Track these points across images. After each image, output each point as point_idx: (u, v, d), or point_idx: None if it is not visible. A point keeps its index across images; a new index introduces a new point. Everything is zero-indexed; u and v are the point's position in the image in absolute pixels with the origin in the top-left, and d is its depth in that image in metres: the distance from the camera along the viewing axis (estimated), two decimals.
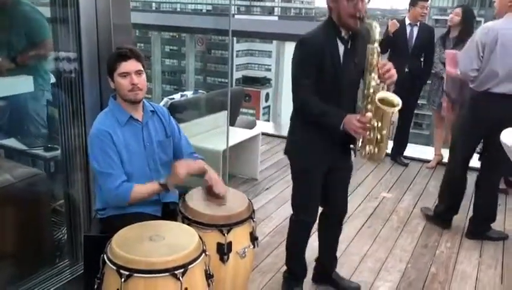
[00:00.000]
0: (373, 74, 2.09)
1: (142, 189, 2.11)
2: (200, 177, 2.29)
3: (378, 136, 2.12)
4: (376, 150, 2.16)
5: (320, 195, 2.49)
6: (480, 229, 3.44)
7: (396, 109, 2.04)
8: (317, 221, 2.60)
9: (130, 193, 2.08)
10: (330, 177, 2.44)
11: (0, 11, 3.08)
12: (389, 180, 4.50)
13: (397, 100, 2.06)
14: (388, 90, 2.12)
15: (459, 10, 4.31)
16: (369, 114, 2.07)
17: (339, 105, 2.21)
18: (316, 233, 2.70)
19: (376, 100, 2.04)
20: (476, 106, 3.18)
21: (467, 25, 4.26)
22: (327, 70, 2.17)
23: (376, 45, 2.08)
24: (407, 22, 4.51)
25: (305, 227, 2.56)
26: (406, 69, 4.49)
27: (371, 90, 2.10)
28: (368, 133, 2.12)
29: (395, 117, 2.21)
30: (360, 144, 2.21)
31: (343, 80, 2.20)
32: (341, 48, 2.19)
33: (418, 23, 4.52)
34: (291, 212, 2.62)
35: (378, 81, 2.09)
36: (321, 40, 2.17)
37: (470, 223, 3.50)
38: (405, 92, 4.51)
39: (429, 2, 4.57)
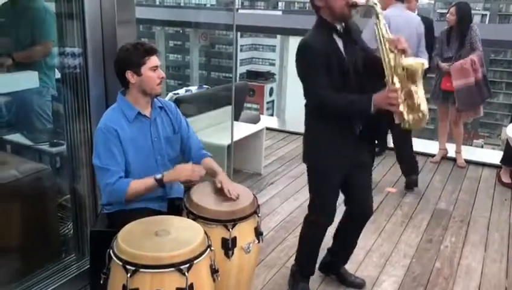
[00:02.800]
0: (387, 45, 2.07)
1: (138, 184, 2.10)
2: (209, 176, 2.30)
3: (416, 101, 2.05)
4: (419, 115, 2.07)
5: (345, 195, 2.50)
6: None
7: (425, 66, 2.03)
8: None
9: (127, 188, 2.08)
10: (352, 177, 2.42)
11: (13, 5, 3.09)
12: (393, 175, 4.49)
13: (421, 60, 2.06)
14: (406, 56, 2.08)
15: (453, 10, 4.30)
16: (396, 85, 2.03)
17: (350, 91, 2.19)
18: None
19: (401, 65, 2.02)
20: None
21: (463, 21, 4.28)
22: (333, 67, 2.17)
23: (381, 18, 2.08)
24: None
25: (322, 229, 2.53)
26: None
27: (392, 62, 2.06)
28: (403, 101, 2.05)
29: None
30: (398, 117, 2.10)
31: (349, 72, 2.21)
32: (339, 43, 2.21)
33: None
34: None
35: (395, 51, 2.06)
36: (321, 40, 2.18)
37: None
38: None
39: None
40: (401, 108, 2.04)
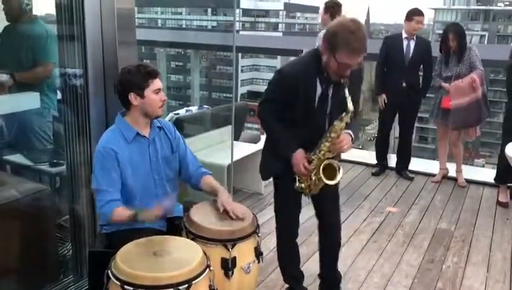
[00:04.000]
0: (329, 144, 2.19)
1: (121, 213, 2.09)
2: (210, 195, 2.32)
3: (316, 180, 2.28)
4: (307, 191, 2.36)
5: (314, 207, 2.60)
6: None
7: (332, 182, 2.21)
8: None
9: (111, 214, 2.09)
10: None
11: (15, 27, 3.13)
12: (394, 194, 4.48)
13: (339, 176, 2.21)
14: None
15: (452, 36, 4.32)
16: (313, 165, 2.23)
17: (306, 136, 2.26)
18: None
19: (320, 167, 2.21)
20: None
21: (462, 41, 4.34)
22: (300, 104, 2.22)
23: (343, 124, 2.14)
24: (404, 35, 4.57)
25: (287, 239, 2.64)
26: (404, 84, 4.57)
27: (321, 153, 2.21)
28: (307, 176, 2.28)
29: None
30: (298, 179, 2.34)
31: (313, 118, 2.26)
32: (319, 90, 2.21)
33: (414, 37, 4.57)
34: (300, 232, 2.70)
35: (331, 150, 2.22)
36: (300, 75, 2.20)
37: None
38: (403, 106, 4.64)
39: (424, 16, 4.63)
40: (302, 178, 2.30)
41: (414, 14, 4.51)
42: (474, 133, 4.61)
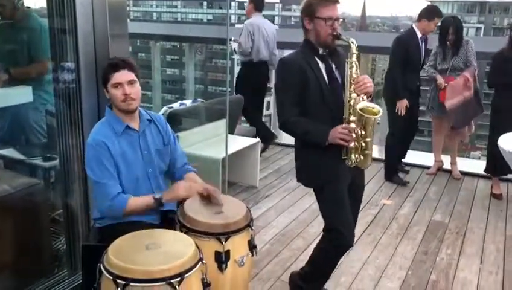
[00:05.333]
0: (353, 86, 2.20)
1: (137, 202, 2.11)
2: None
3: (363, 144, 2.23)
4: (362, 157, 2.26)
5: None
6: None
7: (378, 116, 2.16)
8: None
9: (125, 205, 2.08)
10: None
11: (10, 24, 3.11)
12: (389, 187, 4.49)
13: (377, 108, 2.18)
14: (370, 100, 2.23)
15: (451, 30, 4.30)
16: (351, 124, 2.19)
17: (329, 121, 2.25)
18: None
19: (357, 109, 2.16)
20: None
21: (460, 35, 4.33)
22: (312, 87, 2.25)
23: (354, 58, 2.20)
24: (419, 35, 4.34)
25: (340, 251, 2.46)
26: (418, 83, 4.51)
27: (352, 102, 2.20)
28: (352, 141, 2.20)
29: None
30: (346, 153, 2.27)
31: (329, 94, 2.27)
32: (322, 66, 2.29)
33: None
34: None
35: (358, 93, 2.20)
36: (301, 60, 2.27)
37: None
38: (414, 105, 4.48)
39: None
40: (351, 145, 2.21)
41: (436, 14, 4.30)
42: (466, 132, 4.63)
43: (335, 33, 2.21)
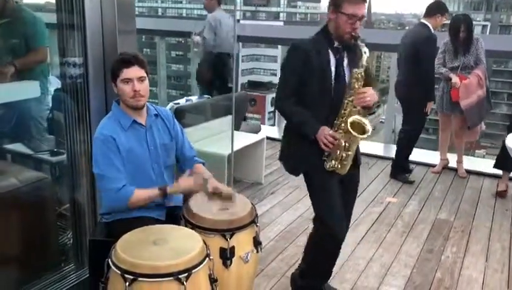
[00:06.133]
0: (352, 97, 2.20)
1: (142, 194, 2.12)
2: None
3: (344, 155, 2.25)
4: (339, 165, 2.29)
5: None
6: None
7: (364, 136, 2.17)
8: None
9: (130, 197, 2.09)
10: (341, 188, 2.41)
11: (2, 17, 3.13)
12: (394, 185, 4.48)
13: (368, 128, 2.18)
14: (364, 114, 2.23)
15: (463, 27, 4.29)
16: (340, 132, 2.21)
17: (324, 117, 2.25)
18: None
19: (348, 122, 2.17)
20: None
21: (470, 32, 4.33)
22: (315, 79, 2.23)
23: (361, 70, 2.18)
24: (432, 30, 4.27)
25: (329, 242, 2.43)
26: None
27: (347, 111, 2.21)
28: (334, 148, 2.23)
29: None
30: (327, 156, 2.29)
31: (332, 93, 2.25)
32: (332, 60, 2.25)
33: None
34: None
35: (355, 105, 2.21)
36: (311, 48, 2.24)
37: None
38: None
39: None
40: (332, 152, 2.25)
41: (447, 10, 4.33)
42: (479, 131, 4.61)
43: (354, 33, 2.17)
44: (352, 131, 2.16)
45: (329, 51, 2.25)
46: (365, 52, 2.17)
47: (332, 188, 2.36)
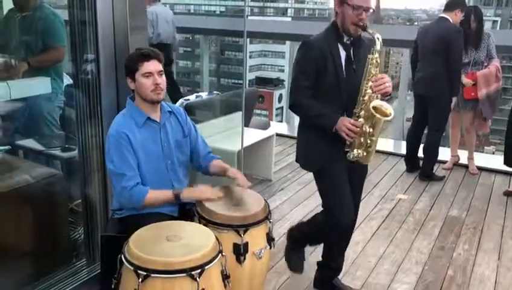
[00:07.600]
0: (370, 83, 2.18)
1: (157, 195, 2.12)
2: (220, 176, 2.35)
3: (368, 141, 2.23)
4: (364, 153, 2.26)
5: None
6: None
7: (388, 118, 2.14)
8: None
9: (144, 197, 2.10)
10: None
11: (22, 12, 3.13)
12: (405, 181, 4.46)
13: (390, 110, 2.16)
14: (383, 100, 2.20)
15: (473, 18, 4.26)
16: (361, 120, 2.18)
17: (341, 110, 2.25)
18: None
19: (370, 107, 2.14)
20: None
21: (481, 25, 4.31)
22: (329, 74, 2.24)
23: (377, 55, 2.17)
24: None
25: (335, 231, 2.48)
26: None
27: (366, 98, 2.19)
28: (358, 136, 2.21)
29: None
30: (350, 146, 2.27)
31: (344, 84, 2.26)
32: (343, 54, 2.27)
33: None
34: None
35: (374, 90, 2.19)
36: (323, 44, 2.26)
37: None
38: None
39: None
40: (355, 140, 2.22)
41: (466, 6, 4.28)
42: (489, 124, 4.58)
43: (360, 23, 2.17)
44: (376, 113, 2.13)
45: (339, 45, 2.26)
46: (378, 38, 2.15)
47: (341, 183, 2.38)
